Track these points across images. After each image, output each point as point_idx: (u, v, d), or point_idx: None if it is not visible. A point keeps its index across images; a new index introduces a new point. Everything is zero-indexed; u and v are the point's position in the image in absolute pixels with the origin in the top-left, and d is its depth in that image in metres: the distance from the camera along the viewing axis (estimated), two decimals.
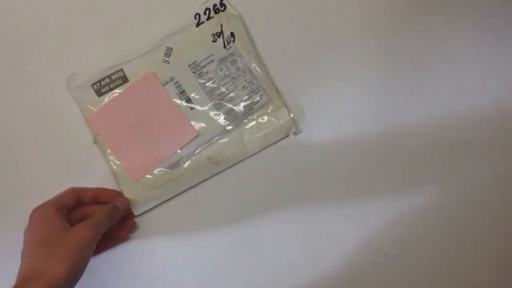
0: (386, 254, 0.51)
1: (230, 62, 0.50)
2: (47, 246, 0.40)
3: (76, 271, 0.40)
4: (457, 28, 0.52)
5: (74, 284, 0.40)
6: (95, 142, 0.49)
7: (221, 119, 0.50)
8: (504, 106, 0.52)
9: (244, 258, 0.51)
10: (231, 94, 0.50)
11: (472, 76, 0.52)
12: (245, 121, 0.50)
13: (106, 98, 0.49)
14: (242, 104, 0.50)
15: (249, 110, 0.50)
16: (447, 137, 0.51)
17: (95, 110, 0.49)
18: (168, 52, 0.50)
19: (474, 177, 0.51)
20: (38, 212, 0.43)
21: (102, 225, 0.44)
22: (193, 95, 0.50)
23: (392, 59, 0.52)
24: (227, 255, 0.51)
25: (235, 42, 0.50)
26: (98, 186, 0.49)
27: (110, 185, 0.50)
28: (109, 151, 0.49)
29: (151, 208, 0.50)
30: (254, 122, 0.50)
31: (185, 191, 0.50)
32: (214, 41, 0.50)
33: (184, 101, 0.50)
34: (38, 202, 0.45)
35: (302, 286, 0.51)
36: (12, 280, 0.40)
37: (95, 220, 0.43)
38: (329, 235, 0.51)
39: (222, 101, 0.50)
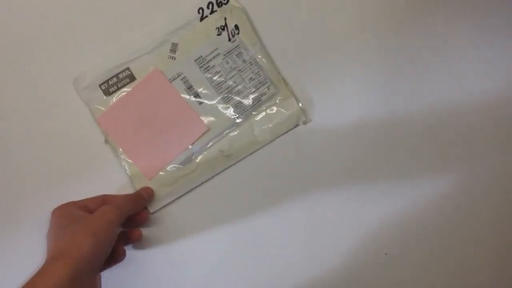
0: (386, 254, 0.51)
1: (236, 55, 0.50)
2: (71, 227, 0.40)
3: (101, 247, 0.40)
4: (457, 28, 0.52)
5: (100, 263, 0.40)
6: (106, 142, 0.49)
7: (230, 112, 0.50)
8: (504, 106, 0.52)
9: (246, 256, 0.51)
10: (239, 87, 0.50)
11: (472, 76, 0.52)
12: (254, 113, 0.50)
13: (115, 97, 0.49)
14: (250, 96, 0.50)
15: (258, 102, 0.50)
16: (447, 137, 0.52)
17: (104, 110, 0.49)
18: (174, 48, 0.50)
19: (474, 176, 0.52)
20: (58, 209, 0.44)
21: (125, 208, 0.44)
22: (201, 89, 0.50)
23: (392, 59, 0.52)
24: (232, 251, 0.51)
25: (240, 35, 0.50)
26: (111, 186, 0.49)
27: (123, 184, 0.50)
28: (120, 150, 0.49)
29: (166, 205, 0.50)
30: (263, 114, 0.50)
31: (198, 186, 0.51)
32: (218, 35, 0.50)
33: (192, 96, 0.50)
34: (49, 203, 0.46)
35: (303, 285, 0.51)
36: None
37: (118, 203, 0.44)
38: (330, 235, 0.51)
39: (230, 94, 0.50)
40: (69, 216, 0.43)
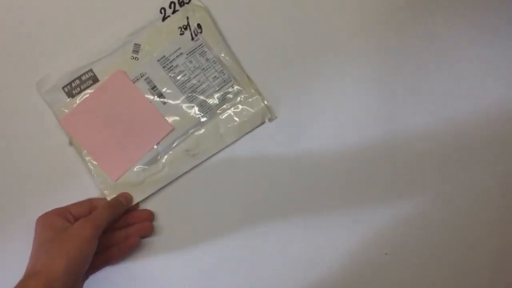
0: (386, 254, 0.51)
1: (199, 54, 0.50)
2: (46, 245, 0.41)
3: (75, 266, 0.40)
4: (457, 28, 0.51)
5: (76, 280, 0.41)
6: (71, 144, 0.49)
7: (195, 111, 0.50)
8: (504, 106, 0.52)
9: (243, 256, 0.51)
10: (203, 86, 0.50)
11: (472, 76, 0.52)
12: (219, 111, 0.50)
13: (78, 99, 0.49)
14: (215, 94, 0.50)
15: (222, 100, 0.50)
16: (447, 137, 0.52)
17: (68, 112, 0.49)
18: (136, 49, 0.50)
19: (474, 176, 0.51)
20: (40, 219, 0.45)
21: (102, 219, 0.44)
22: (164, 89, 0.50)
23: (392, 59, 0.51)
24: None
25: (203, 34, 0.50)
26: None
27: (89, 186, 0.50)
28: (85, 152, 0.49)
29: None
30: (228, 112, 0.50)
31: (165, 186, 0.50)
32: (181, 34, 0.50)
33: (156, 96, 0.50)
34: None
35: (302, 286, 0.51)
36: None
37: (95, 216, 0.44)
38: (329, 235, 0.51)
39: (194, 94, 0.50)
40: (50, 227, 0.43)
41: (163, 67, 0.50)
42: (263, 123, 0.51)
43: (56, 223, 0.43)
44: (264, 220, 0.51)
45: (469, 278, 0.51)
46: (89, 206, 0.47)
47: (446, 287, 0.52)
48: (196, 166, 0.50)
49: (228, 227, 0.51)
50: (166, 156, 0.50)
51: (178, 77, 0.50)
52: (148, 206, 0.51)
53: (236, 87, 0.50)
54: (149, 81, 0.50)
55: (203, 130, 0.50)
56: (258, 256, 0.51)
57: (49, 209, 0.46)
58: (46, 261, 0.40)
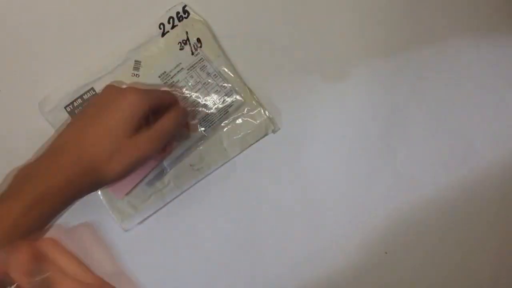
0: (386, 253, 0.51)
1: (200, 68, 0.50)
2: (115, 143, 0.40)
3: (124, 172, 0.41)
4: (457, 28, 0.51)
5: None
6: None
7: (198, 126, 0.50)
8: (504, 106, 0.52)
9: (245, 259, 0.51)
10: (205, 100, 0.50)
11: (472, 76, 0.52)
12: (222, 125, 0.50)
13: None
14: (217, 108, 0.50)
15: (225, 114, 0.50)
16: (447, 137, 0.52)
17: None
18: (137, 66, 0.50)
19: (475, 176, 0.51)
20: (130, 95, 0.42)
21: (166, 136, 0.43)
22: None
23: (392, 59, 0.51)
24: (225, 259, 0.51)
25: (203, 48, 0.50)
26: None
27: (95, 204, 0.50)
28: None
29: (140, 222, 0.50)
30: (231, 125, 0.50)
31: (171, 201, 0.50)
32: (181, 49, 0.50)
33: None
34: None
35: (302, 285, 0.51)
36: None
37: (159, 132, 0.42)
38: (329, 234, 0.51)
39: (196, 108, 0.50)
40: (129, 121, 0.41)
41: (164, 83, 0.50)
42: (266, 134, 0.50)
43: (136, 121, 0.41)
44: (267, 228, 0.51)
45: (469, 278, 0.52)
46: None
47: (446, 287, 0.51)
48: (200, 179, 0.50)
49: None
50: (171, 172, 0.50)
51: (180, 93, 0.50)
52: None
53: (238, 100, 0.50)
54: None
55: (206, 144, 0.50)
56: (258, 258, 0.51)
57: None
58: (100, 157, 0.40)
